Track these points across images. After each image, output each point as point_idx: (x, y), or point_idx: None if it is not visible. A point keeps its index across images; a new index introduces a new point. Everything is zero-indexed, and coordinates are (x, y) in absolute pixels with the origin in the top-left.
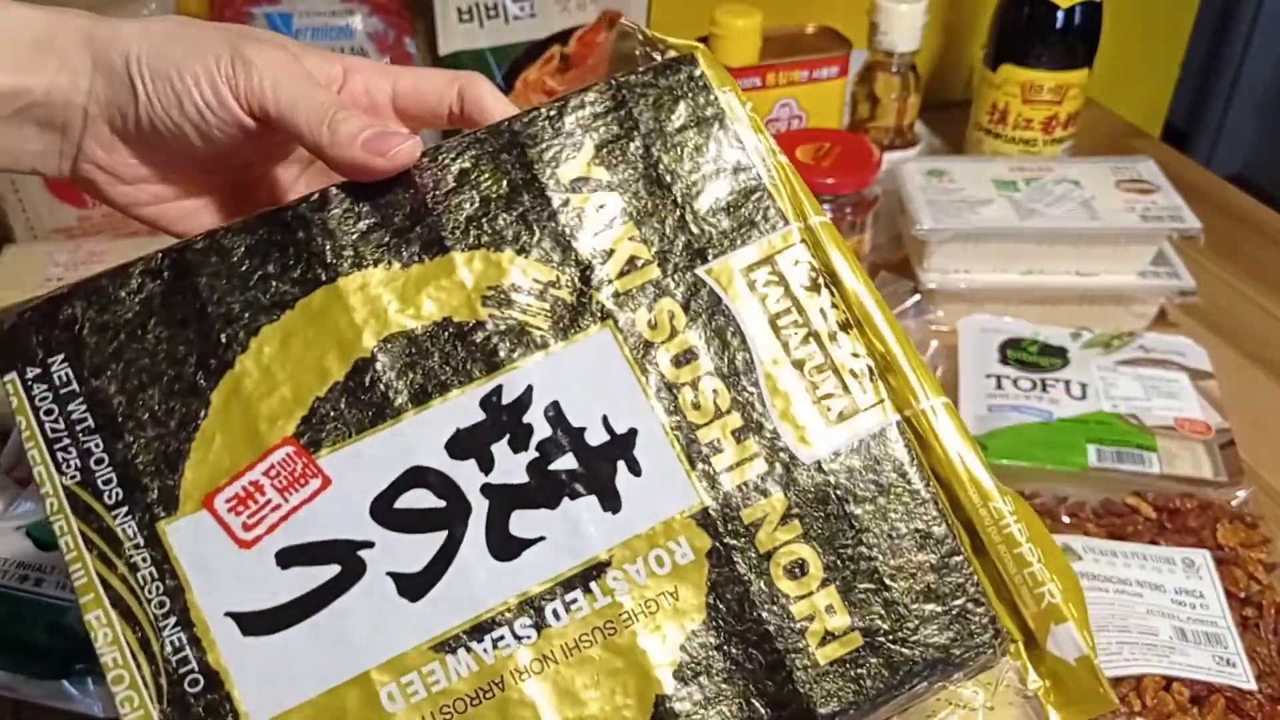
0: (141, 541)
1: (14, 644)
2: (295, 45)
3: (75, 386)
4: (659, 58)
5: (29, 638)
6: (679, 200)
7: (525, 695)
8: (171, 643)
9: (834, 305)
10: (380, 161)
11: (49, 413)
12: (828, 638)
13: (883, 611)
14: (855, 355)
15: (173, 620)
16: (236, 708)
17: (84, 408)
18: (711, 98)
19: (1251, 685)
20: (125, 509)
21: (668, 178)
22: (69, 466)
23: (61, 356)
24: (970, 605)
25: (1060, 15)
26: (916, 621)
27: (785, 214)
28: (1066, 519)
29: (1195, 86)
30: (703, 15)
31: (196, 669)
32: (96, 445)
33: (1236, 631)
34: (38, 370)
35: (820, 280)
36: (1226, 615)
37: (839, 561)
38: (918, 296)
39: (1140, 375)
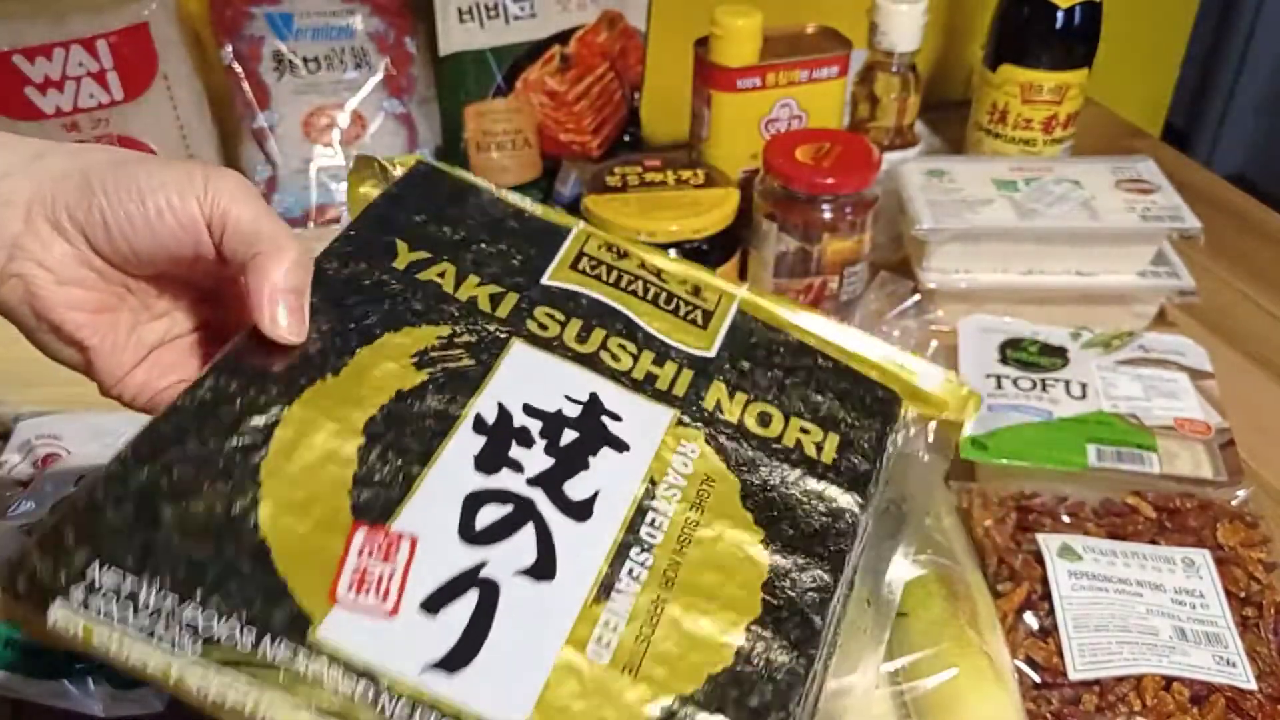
0: (305, 654)
1: (14, 644)
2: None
3: (133, 581)
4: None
5: (29, 638)
6: (484, 249)
7: (673, 610)
8: (399, 716)
9: (641, 264)
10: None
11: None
12: (818, 449)
13: (831, 415)
14: (681, 282)
15: (384, 697)
16: None
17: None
18: (463, 174)
19: (1251, 685)
20: (268, 637)
21: (459, 234)
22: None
23: (102, 562)
24: (867, 384)
25: (1060, 15)
26: (854, 410)
27: (562, 226)
28: (1066, 519)
29: (1195, 86)
30: (703, 15)
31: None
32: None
33: (1236, 631)
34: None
35: (619, 250)
36: (1226, 615)
37: (782, 401)
38: (918, 296)
39: (1140, 375)
